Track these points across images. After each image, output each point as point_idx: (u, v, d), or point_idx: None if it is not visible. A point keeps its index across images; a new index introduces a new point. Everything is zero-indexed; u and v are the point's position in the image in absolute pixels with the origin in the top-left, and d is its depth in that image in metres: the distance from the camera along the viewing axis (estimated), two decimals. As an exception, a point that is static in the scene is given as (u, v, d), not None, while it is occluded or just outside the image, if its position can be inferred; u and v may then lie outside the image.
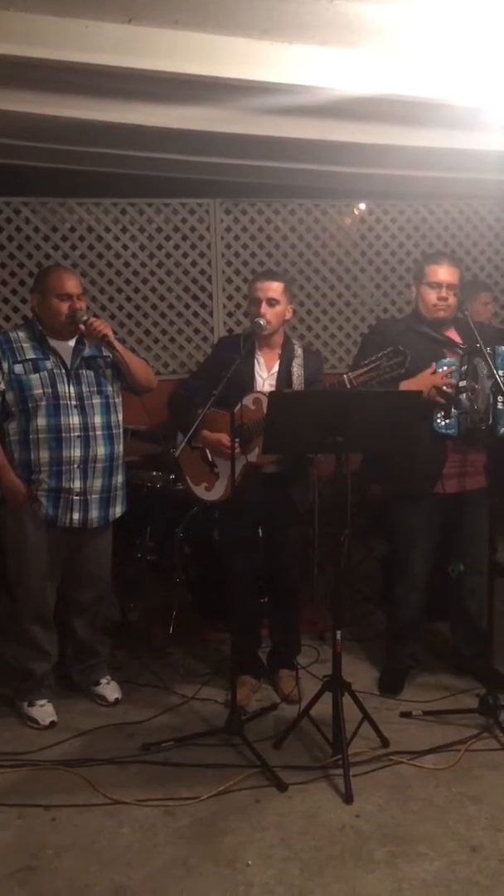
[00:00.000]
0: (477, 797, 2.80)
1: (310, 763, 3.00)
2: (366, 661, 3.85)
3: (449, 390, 3.19)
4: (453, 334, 3.39)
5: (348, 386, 3.05)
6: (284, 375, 3.32)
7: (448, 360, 3.27)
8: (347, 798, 2.78)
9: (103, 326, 3.16)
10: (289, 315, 3.38)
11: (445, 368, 3.23)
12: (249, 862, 2.50)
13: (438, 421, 3.24)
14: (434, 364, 3.24)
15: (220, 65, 2.90)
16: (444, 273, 3.33)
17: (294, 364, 3.33)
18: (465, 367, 3.19)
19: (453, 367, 3.22)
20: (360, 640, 4.04)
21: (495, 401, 3.12)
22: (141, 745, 3.12)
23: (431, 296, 3.33)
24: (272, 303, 3.27)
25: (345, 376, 3.08)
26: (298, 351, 3.38)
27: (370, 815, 2.72)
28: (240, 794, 2.83)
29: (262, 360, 3.37)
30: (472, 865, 2.47)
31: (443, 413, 3.22)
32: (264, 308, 3.26)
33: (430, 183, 4.80)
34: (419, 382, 3.19)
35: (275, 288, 3.28)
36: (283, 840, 2.60)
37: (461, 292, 3.38)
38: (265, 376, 3.35)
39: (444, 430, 3.25)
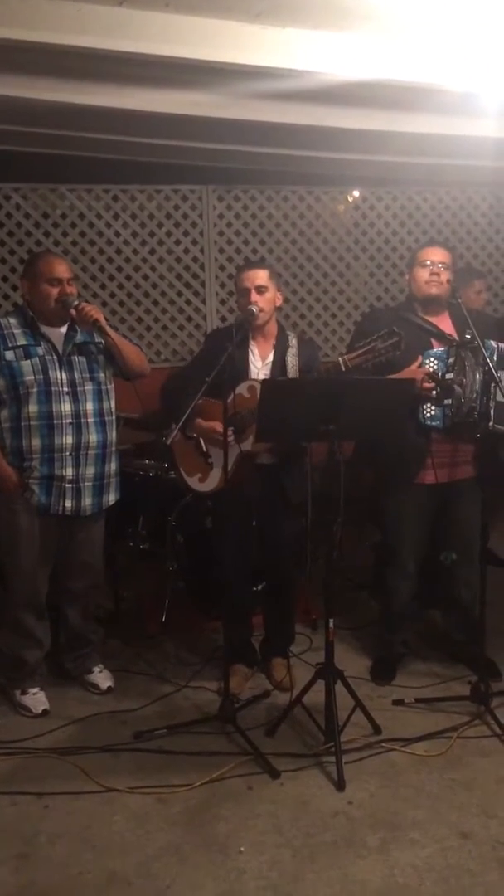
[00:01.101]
0: (468, 784, 2.82)
1: (302, 750, 3.01)
2: (358, 648, 3.86)
3: (431, 384, 3.18)
4: (446, 320, 3.39)
5: (343, 368, 3.05)
6: (279, 365, 3.31)
7: (436, 351, 3.27)
8: (340, 785, 2.79)
9: (94, 311, 3.13)
10: (279, 301, 3.38)
11: (431, 359, 3.23)
12: (242, 848, 2.51)
13: (425, 412, 3.24)
14: (420, 357, 3.24)
15: (213, 48, 2.87)
16: (434, 252, 3.36)
17: (289, 353, 3.31)
18: (453, 359, 3.19)
19: (439, 361, 3.22)
20: (353, 628, 4.05)
21: (485, 394, 3.11)
22: (134, 732, 3.12)
23: (424, 273, 3.33)
24: (261, 290, 3.26)
25: (339, 358, 3.08)
26: (293, 341, 3.37)
27: (362, 801, 2.73)
28: (232, 781, 2.84)
29: (256, 350, 3.35)
30: (463, 851, 2.49)
31: (429, 404, 3.22)
32: (255, 297, 3.25)
33: (424, 170, 4.77)
34: (405, 376, 3.19)
35: (261, 276, 3.27)
36: (276, 827, 2.61)
37: (454, 279, 3.38)
38: (259, 366, 3.33)
39: (429, 423, 3.25)
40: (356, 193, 5.51)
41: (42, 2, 2.65)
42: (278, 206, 5.33)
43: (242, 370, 3.28)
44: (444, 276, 3.32)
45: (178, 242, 5.18)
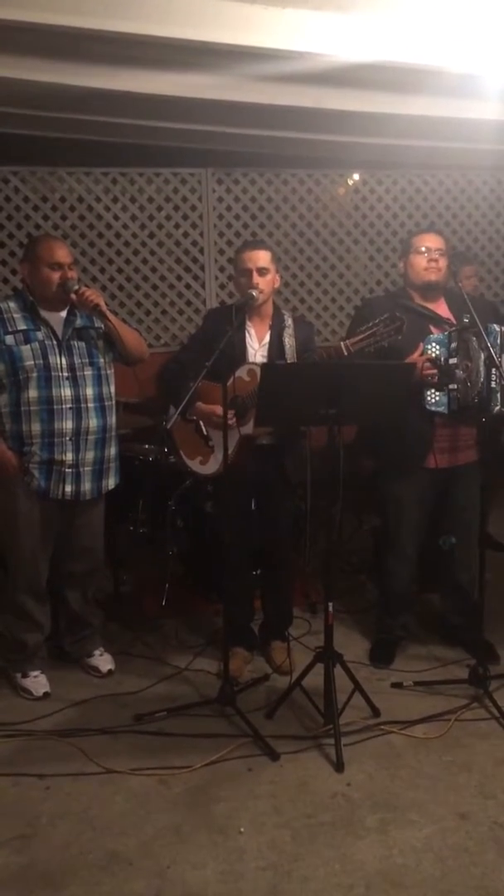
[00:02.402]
0: (466, 765, 2.84)
1: (301, 733, 3.03)
2: (357, 632, 3.87)
3: (433, 370, 3.18)
4: (443, 306, 3.38)
5: (345, 353, 3.04)
6: (276, 345, 3.30)
7: (437, 336, 3.26)
8: (339, 767, 2.81)
9: (95, 296, 3.12)
10: (277, 283, 3.37)
11: (433, 345, 3.22)
12: (242, 829, 2.53)
13: (429, 398, 3.24)
14: (421, 344, 3.23)
15: (212, 29, 2.85)
16: (431, 239, 3.36)
17: (285, 334, 3.30)
18: (455, 343, 3.18)
19: (441, 346, 3.21)
20: (352, 612, 4.06)
21: (488, 376, 3.11)
22: (134, 715, 3.14)
23: (421, 260, 3.33)
24: (263, 272, 3.24)
25: (341, 343, 3.07)
26: (288, 321, 3.36)
27: (361, 783, 2.75)
28: (232, 763, 2.86)
29: (252, 331, 3.34)
30: (461, 832, 2.51)
31: (433, 390, 3.22)
32: (256, 278, 3.23)
33: (424, 152, 4.75)
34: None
35: (263, 257, 3.25)
36: (275, 808, 2.63)
37: (451, 265, 3.37)
38: (257, 347, 3.33)
39: (434, 408, 3.24)
40: (356, 176, 5.49)
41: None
42: (278, 189, 5.31)
43: (240, 352, 3.27)
44: (442, 262, 3.32)
45: (177, 226, 5.16)
